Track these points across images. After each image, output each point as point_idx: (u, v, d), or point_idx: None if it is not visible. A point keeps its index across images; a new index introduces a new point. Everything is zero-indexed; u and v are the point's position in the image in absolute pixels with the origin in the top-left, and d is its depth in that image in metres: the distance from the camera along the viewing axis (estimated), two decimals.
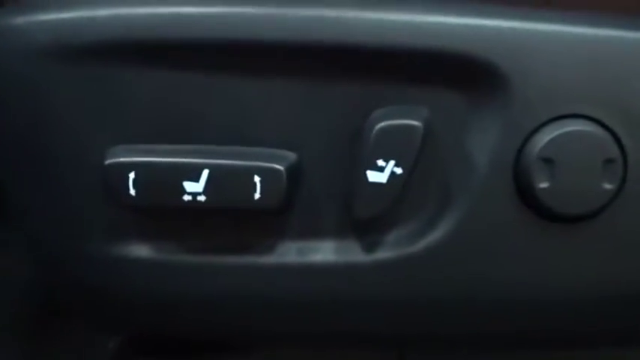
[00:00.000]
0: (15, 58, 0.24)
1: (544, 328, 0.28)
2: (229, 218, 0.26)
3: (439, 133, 0.25)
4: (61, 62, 0.24)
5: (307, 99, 0.25)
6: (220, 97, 0.25)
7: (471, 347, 0.30)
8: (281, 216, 0.26)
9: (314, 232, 0.27)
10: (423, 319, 0.28)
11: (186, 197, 0.24)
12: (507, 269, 0.26)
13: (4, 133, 0.26)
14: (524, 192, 0.25)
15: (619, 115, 0.24)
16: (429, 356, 0.35)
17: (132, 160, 0.24)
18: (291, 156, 0.25)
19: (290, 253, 0.27)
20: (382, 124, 0.24)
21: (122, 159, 0.25)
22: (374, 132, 0.24)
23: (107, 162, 0.25)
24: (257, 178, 0.24)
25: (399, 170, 0.24)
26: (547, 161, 0.24)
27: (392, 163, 0.24)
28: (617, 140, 0.24)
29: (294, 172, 0.25)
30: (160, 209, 0.26)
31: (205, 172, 0.24)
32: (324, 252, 0.27)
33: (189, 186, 0.24)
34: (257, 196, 0.24)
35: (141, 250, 0.27)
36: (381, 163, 0.24)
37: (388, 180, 0.24)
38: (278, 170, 0.24)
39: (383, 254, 0.26)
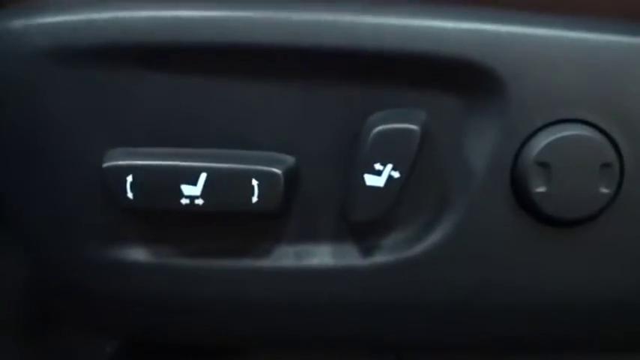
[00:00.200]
0: (14, 60, 0.25)
1: (541, 332, 0.28)
2: (226, 222, 0.26)
3: (436, 137, 0.25)
4: (60, 65, 0.24)
5: (305, 102, 0.25)
6: (218, 100, 0.25)
7: (468, 351, 0.30)
8: (278, 219, 0.26)
9: (311, 235, 0.27)
10: (421, 323, 0.28)
11: (184, 200, 0.24)
12: (504, 273, 0.26)
13: (2, 135, 0.26)
14: (521, 196, 0.25)
15: (615, 119, 0.24)
16: (426, 359, 0.35)
17: (130, 163, 0.25)
18: (289, 159, 0.25)
19: (287, 256, 0.27)
20: (380, 127, 0.24)
21: (120, 162, 0.25)
22: (371, 136, 0.24)
23: (105, 165, 0.25)
24: (255, 182, 0.24)
25: (396, 174, 0.24)
26: (544, 165, 0.24)
27: (389, 166, 0.24)
28: (614, 145, 0.24)
29: (292, 175, 0.25)
30: (157, 212, 0.26)
31: (203, 176, 0.24)
32: (322, 256, 0.27)
33: (187, 189, 0.24)
34: (255, 199, 0.24)
35: (138, 254, 0.27)
36: (378, 166, 0.24)
37: (386, 184, 0.24)
38: (276, 174, 0.24)
39: (380, 258, 0.26)
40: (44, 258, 0.28)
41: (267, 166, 0.25)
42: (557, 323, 0.28)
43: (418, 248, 0.26)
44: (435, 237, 0.26)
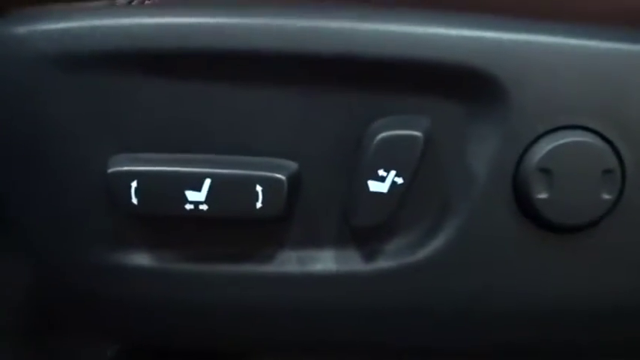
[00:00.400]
0: (18, 66, 0.25)
1: (543, 337, 0.28)
2: (229, 227, 0.26)
3: (439, 144, 0.25)
4: (64, 71, 0.25)
5: (308, 109, 0.25)
6: (222, 106, 0.25)
7: (470, 357, 0.30)
8: (281, 225, 0.26)
9: (314, 241, 0.27)
10: (424, 329, 0.28)
11: (189, 206, 0.24)
12: (506, 279, 0.26)
13: (6, 140, 0.26)
14: (523, 202, 0.25)
15: (617, 126, 0.24)
16: None
17: (134, 169, 0.25)
18: (292, 165, 0.26)
19: (290, 262, 0.27)
20: (383, 134, 0.24)
21: (125, 168, 0.25)
22: (375, 142, 0.24)
23: (110, 170, 0.25)
24: (259, 188, 0.24)
25: (399, 180, 0.24)
26: (545, 172, 0.24)
27: (393, 173, 0.24)
28: (616, 151, 0.24)
29: (295, 181, 0.25)
30: (161, 218, 0.26)
31: (207, 182, 0.24)
32: (325, 261, 0.27)
33: (192, 195, 0.24)
34: (259, 205, 0.24)
35: (142, 259, 0.27)
36: (382, 173, 0.24)
37: (389, 190, 0.24)
38: (280, 180, 0.24)
39: (383, 263, 0.26)
40: (47, 262, 0.28)
41: (270, 172, 0.25)
42: (559, 329, 0.28)
43: (421, 254, 0.26)
44: (437, 243, 0.26)
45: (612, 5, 0.27)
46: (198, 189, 0.24)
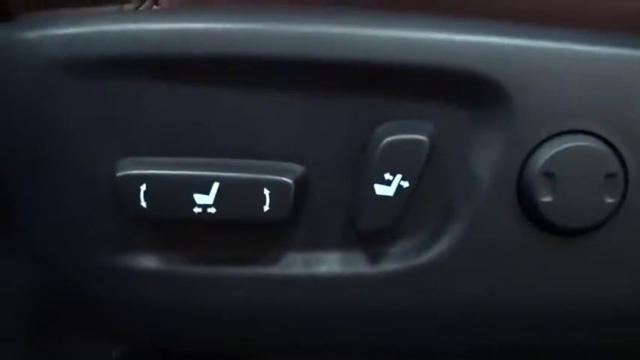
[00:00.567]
0: (27, 70, 0.25)
1: (547, 339, 0.28)
2: (236, 230, 0.27)
3: (444, 148, 0.26)
4: (73, 76, 0.25)
5: (315, 113, 0.26)
6: (229, 110, 0.25)
7: (474, 358, 0.31)
8: (288, 227, 0.27)
9: (320, 243, 0.27)
10: (428, 331, 0.28)
11: (197, 209, 0.25)
12: (510, 281, 0.26)
13: (15, 144, 0.26)
14: (527, 206, 0.25)
15: (620, 130, 0.25)
16: None
17: (143, 172, 0.25)
18: (299, 169, 0.26)
19: (296, 264, 0.27)
20: (389, 138, 0.24)
21: (133, 171, 0.25)
22: (381, 146, 0.24)
23: (118, 174, 0.25)
24: (266, 191, 0.25)
25: (405, 184, 0.24)
26: (549, 176, 0.25)
27: (399, 176, 0.24)
28: (618, 155, 0.25)
29: (302, 184, 0.26)
30: (168, 221, 0.26)
31: (215, 185, 0.25)
32: (330, 263, 0.27)
33: (200, 198, 0.25)
34: (266, 208, 0.25)
35: (148, 262, 0.27)
36: (388, 176, 0.24)
37: (395, 193, 0.25)
38: (287, 183, 0.25)
39: (388, 266, 0.27)
40: (54, 265, 0.28)
41: (278, 175, 0.25)
42: (562, 331, 0.28)
43: (425, 257, 0.26)
44: (442, 246, 0.26)
45: (612, 9, 0.28)
46: (207, 192, 0.25)
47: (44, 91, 0.25)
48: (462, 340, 0.28)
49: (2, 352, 0.34)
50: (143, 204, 0.25)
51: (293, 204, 0.25)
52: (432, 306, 0.27)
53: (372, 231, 0.25)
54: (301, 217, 0.27)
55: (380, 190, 0.25)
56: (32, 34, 0.25)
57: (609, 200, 0.25)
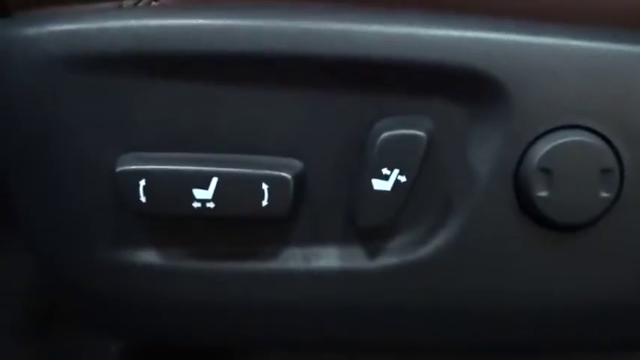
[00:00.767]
0: (26, 67, 0.25)
1: (544, 333, 0.28)
2: (236, 225, 0.27)
3: (442, 143, 0.26)
4: (72, 72, 0.25)
5: (314, 109, 0.26)
6: (229, 107, 0.26)
7: (472, 353, 0.31)
8: (287, 223, 0.27)
9: (319, 238, 0.27)
10: (426, 326, 0.28)
11: (196, 204, 0.25)
12: (508, 276, 0.27)
13: (15, 140, 0.26)
14: (524, 201, 0.25)
15: (616, 125, 0.25)
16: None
17: (143, 167, 0.25)
18: (298, 164, 0.26)
19: (295, 259, 0.27)
20: (387, 133, 0.24)
21: (133, 166, 0.25)
22: (379, 141, 0.24)
23: (118, 169, 0.25)
24: (265, 186, 0.25)
25: (403, 178, 0.25)
26: (546, 171, 0.25)
27: (396, 171, 0.25)
28: (614, 150, 0.25)
29: (301, 180, 0.26)
30: (168, 216, 0.26)
31: (215, 180, 0.25)
32: (329, 258, 0.27)
33: (199, 193, 0.25)
34: (265, 203, 0.25)
35: (148, 257, 0.27)
36: (385, 171, 0.25)
37: (393, 188, 0.25)
38: (285, 178, 0.25)
39: (386, 260, 0.27)
40: (54, 260, 0.29)
41: (276, 170, 0.25)
42: (559, 325, 0.28)
43: (423, 251, 0.26)
44: (439, 240, 0.26)
45: (612, 6, 0.28)
46: (206, 187, 0.25)
47: (43, 88, 0.25)
48: (460, 335, 0.29)
49: (3, 350, 0.34)
50: (142, 199, 0.25)
51: (292, 199, 0.25)
52: (431, 300, 0.27)
53: (370, 226, 0.25)
54: (300, 213, 0.27)
55: (378, 185, 0.25)
56: (31, 31, 0.25)
57: (605, 195, 0.25)
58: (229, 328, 0.29)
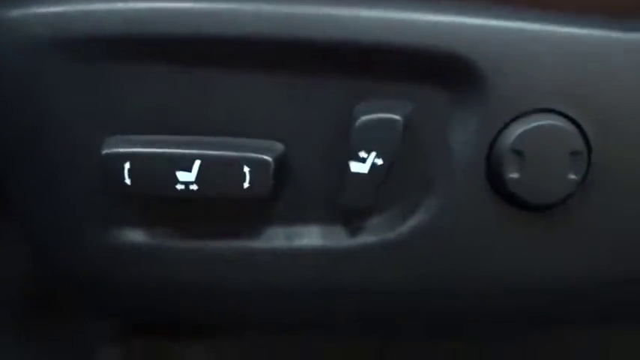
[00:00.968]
0: (12, 50, 0.25)
1: (518, 311, 0.30)
2: (220, 205, 0.28)
3: (420, 126, 0.26)
4: (58, 55, 0.25)
5: (295, 93, 0.26)
6: (212, 90, 0.26)
7: (449, 332, 0.32)
8: (269, 203, 0.28)
9: (301, 218, 0.28)
10: (405, 304, 0.29)
11: (179, 186, 0.26)
12: (482, 255, 0.28)
13: (3, 125, 0.27)
14: (497, 182, 0.26)
15: (586, 110, 0.26)
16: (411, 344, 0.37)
17: (127, 150, 0.26)
18: (279, 147, 0.27)
19: (278, 238, 0.28)
20: (364, 117, 0.25)
21: (118, 149, 0.26)
22: (357, 125, 0.25)
23: (104, 152, 0.26)
24: (246, 169, 0.26)
25: (380, 161, 0.25)
26: (518, 153, 0.26)
27: (373, 154, 0.25)
28: (583, 134, 0.26)
29: (282, 162, 0.27)
30: (153, 197, 0.27)
31: (197, 163, 0.26)
32: (311, 237, 0.28)
33: (182, 175, 0.26)
34: (246, 185, 0.26)
35: (137, 237, 0.28)
36: (363, 154, 0.25)
37: (370, 170, 0.26)
38: (266, 161, 0.26)
39: (366, 239, 0.28)
40: (48, 246, 0.29)
41: (258, 153, 0.26)
42: (532, 303, 0.29)
43: (401, 230, 0.27)
44: (416, 220, 0.27)
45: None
46: (189, 170, 0.26)
47: (29, 71, 0.25)
48: (438, 313, 0.30)
49: (1, 338, 0.35)
50: (127, 181, 0.26)
51: (273, 181, 0.26)
52: (409, 279, 0.29)
53: (348, 207, 0.26)
54: (282, 193, 0.28)
55: (355, 167, 0.26)
56: (17, 13, 0.25)
57: (573, 177, 0.26)
58: (215, 306, 0.30)
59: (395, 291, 0.29)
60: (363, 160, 0.25)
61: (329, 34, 0.25)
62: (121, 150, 0.26)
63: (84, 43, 0.25)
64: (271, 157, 0.26)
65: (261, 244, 0.28)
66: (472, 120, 0.26)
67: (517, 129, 0.26)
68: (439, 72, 0.26)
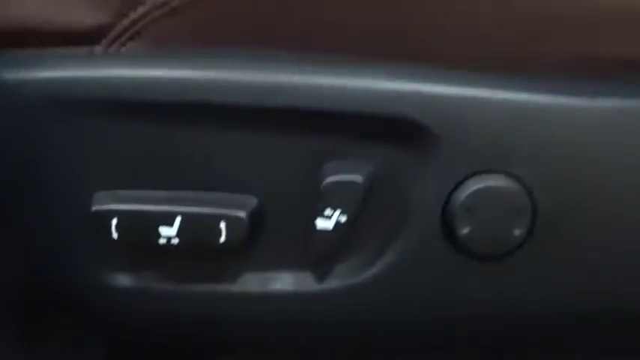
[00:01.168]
0: (9, 112, 0.28)
1: (468, 347, 0.33)
2: (199, 254, 0.30)
3: (380, 184, 0.29)
4: (52, 116, 0.27)
5: (267, 152, 0.29)
6: (192, 149, 0.29)
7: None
8: (245, 252, 0.30)
9: (274, 264, 0.31)
10: (370, 340, 0.32)
11: (162, 240, 0.28)
12: (438, 299, 0.31)
13: (2, 178, 0.29)
14: (450, 235, 0.29)
15: (532, 171, 0.28)
16: None
17: (114, 207, 0.28)
18: (253, 201, 0.29)
19: (253, 282, 0.31)
20: (329, 179, 0.28)
21: (106, 206, 0.28)
22: (322, 185, 0.28)
23: (93, 209, 0.28)
24: (222, 224, 0.28)
25: (344, 219, 0.28)
26: (468, 209, 0.28)
27: (338, 212, 0.28)
28: (529, 193, 0.28)
29: (256, 215, 0.29)
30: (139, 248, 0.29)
31: (178, 219, 0.28)
32: (283, 282, 0.31)
33: (165, 230, 0.28)
34: (222, 239, 0.28)
35: (123, 280, 0.31)
36: (328, 212, 0.28)
37: (334, 227, 0.28)
38: (241, 218, 0.28)
39: (333, 283, 0.31)
40: (39, 276, 0.32)
41: (233, 208, 0.28)
42: (487, 337, 0.32)
43: (364, 276, 0.30)
44: (378, 267, 0.30)
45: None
46: (171, 225, 0.28)
47: (26, 130, 0.28)
48: (398, 343, 0.33)
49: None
50: (114, 235, 0.28)
51: (247, 235, 0.28)
52: (372, 318, 0.31)
53: (316, 258, 0.29)
54: (256, 243, 0.30)
55: (321, 224, 0.28)
56: (11, 76, 0.27)
57: (518, 232, 0.28)
58: (195, 337, 0.33)
59: (360, 327, 0.32)
60: (329, 217, 0.28)
61: (291, 102, 0.27)
62: (109, 207, 0.28)
63: (74, 106, 0.27)
64: (246, 211, 0.28)
65: (238, 288, 0.31)
66: (428, 179, 0.29)
67: (468, 188, 0.28)
68: (396, 135, 0.28)
